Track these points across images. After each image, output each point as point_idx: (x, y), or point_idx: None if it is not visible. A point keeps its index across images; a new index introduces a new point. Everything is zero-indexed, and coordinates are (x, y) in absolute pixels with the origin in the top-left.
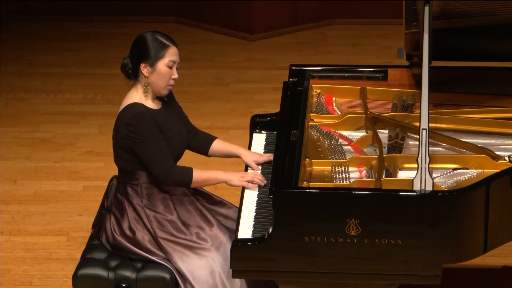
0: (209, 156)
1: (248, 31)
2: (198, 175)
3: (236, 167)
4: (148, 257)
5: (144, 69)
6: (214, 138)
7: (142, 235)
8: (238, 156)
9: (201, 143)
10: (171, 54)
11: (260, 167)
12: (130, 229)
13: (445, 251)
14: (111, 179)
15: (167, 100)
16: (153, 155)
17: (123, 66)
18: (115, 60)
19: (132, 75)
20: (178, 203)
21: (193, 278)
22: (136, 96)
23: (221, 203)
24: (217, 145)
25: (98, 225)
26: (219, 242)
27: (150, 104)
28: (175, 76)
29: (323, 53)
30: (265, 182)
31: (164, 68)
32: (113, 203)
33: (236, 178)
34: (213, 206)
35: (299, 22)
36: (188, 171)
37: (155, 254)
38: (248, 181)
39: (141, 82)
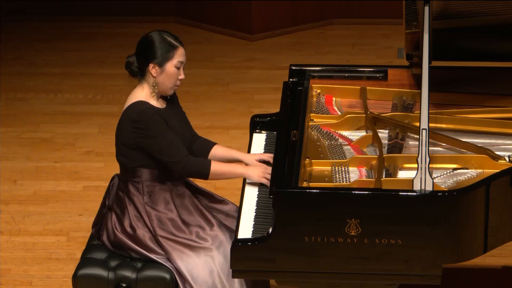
0: None
1: (248, 31)
2: (217, 166)
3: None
4: (148, 255)
5: (153, 70)
6: (213, 143)
7: (143, 233)
8: (238, 160)
9: (201, 149)
10: (180, 55)
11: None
12: (131, 226)
13: (445, 251)
14: (113, 178)
15: (172, 102)
16: (166, 147)
17: (128, 64)
18: (115, 60)
19: (139, 74)
20: (179, 202)
21: (192, 278)
22: (141, 94)
23: (223, 201)
24: (217, 151)
25: (99, 224)
26: (219, 242)
27: (155, 103)
28: (182, 76)
29: (323, 53)
30: None
31: (173, 69)
32: (114, 201)
33: (255, 173)
34: (214, 204)
35: (299, 22)
36: (206, 162)
37: (155, 252)
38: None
39: (148, 82)
